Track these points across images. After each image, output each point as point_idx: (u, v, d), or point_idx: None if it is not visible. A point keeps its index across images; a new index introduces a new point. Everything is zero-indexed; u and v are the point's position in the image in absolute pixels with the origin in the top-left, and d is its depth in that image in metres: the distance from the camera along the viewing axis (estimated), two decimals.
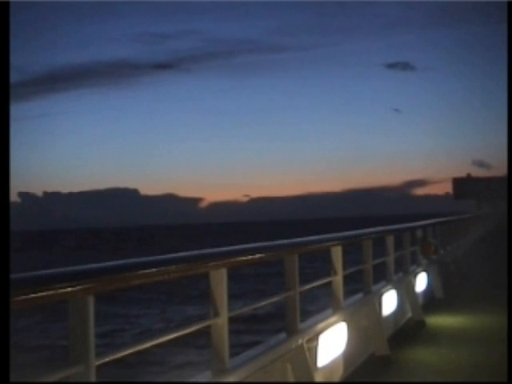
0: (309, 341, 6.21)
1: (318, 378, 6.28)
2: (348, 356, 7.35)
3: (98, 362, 3.32)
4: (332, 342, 6.70)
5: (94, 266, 3.54)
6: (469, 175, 68.15)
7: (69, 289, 3.10)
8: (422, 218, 20.41)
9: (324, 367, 6.49)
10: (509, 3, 11.26)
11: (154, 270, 3.91)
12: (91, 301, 3.29)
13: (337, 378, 7.18)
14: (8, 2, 3.21)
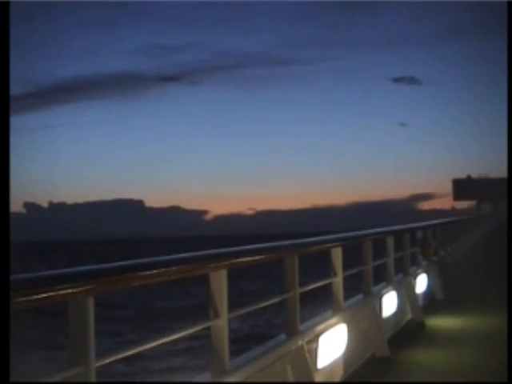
0: (309, 342, 6.21)
1: (318, 379, 6.27)
2: (348, 357, 7.35)
3: (98, 364, 3.32)
4: (332, 344, 6.69)
5: (95, 267, 3.54)
6: (469, 176, 68.14)
7: (69, 290, 3.10)
8: None
9: (324, 368, 6.49)
10: (509, 3, 11.26)
11: (154, 271, 3.91)
12: (91, 302, 3.29)
13: (337, 379, 7.18)
14: (8, 2, 3.20)
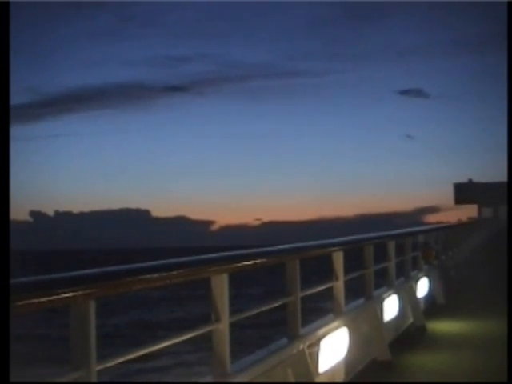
0: (310, 346, 6.21)
1: (320, 382, 6.27)
2: (349, 361, 7.34)
3: (99, 367, 3.32)
4: (333, 347, 6.69)
5: (96, 270, 3.54)
6: (470, 180, 68.04)
7: (70, 293, 3.10)
8: None
9: (325, 372, 6.48)
10: (509, 3, 11.25)
11: (155, 275, 3.91)
12: (92, 306, 3.29)
13: (338, 382, 7.17)
14: (8, 2, 3.21)
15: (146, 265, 3.99)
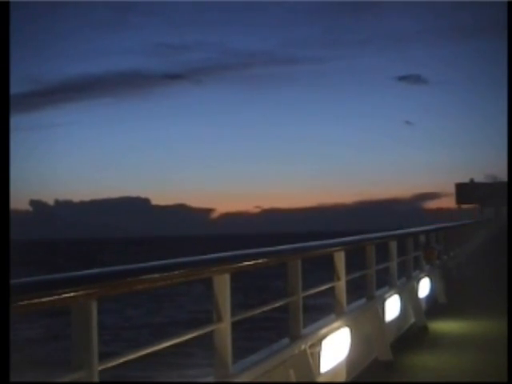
0: (312, 346, 6.21)
1: (321, 383, 6.27)
2: (351, 361, 7.34)
3: (100, 367, 3.31)
4: (335, 348, 6.69)
5: (97, 270, 3.54)
6: (472, 180, 68.02)
7: (72, 294, 3.10)
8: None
9: (327, 372, 6.48)
10: (509, 3, 11.24)
11: (157, 275, 3.90)
12: (94, 306, 3.29)
13: (340, 383, 7.17)
14: (8, 2, 3.21)
15: (148, 265, 3.99)
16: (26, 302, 2.83)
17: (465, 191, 66.97)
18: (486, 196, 63.73)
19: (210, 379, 4.62)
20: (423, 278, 13.02)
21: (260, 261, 5.40)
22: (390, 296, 9.81)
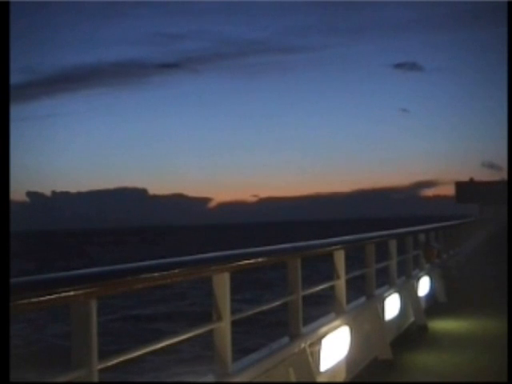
0: (311, 345, 6.21)
1: (321, 381, 6.27)
2: (351, 360, 7.34)
3: (100, 366, 3.32)
4: (335, 346, 6.69)
5: (97, 269, 3.54)
6: (471, 179, 68.08)
7: (71, 293, 3.10)
8: (431, 220, 20.47)
9: (327, 371, 6.49)
10: (509, 3, 11.24)
11: (156, 274, 3.91)
12: (94, 305, 3.29)
13: (339, 381, 7.17)
14: (8, 2, 3.21)
15: (148, 264, 4.00)
16: (25, 301, 2.83)
17: (464, 190, 67.02)
18: (486, 195, 63.76)
19: (210, 377, 4.63)
20: (423, 276, 13.03)
21: (260, 260, 5.40)
22: (389, 295, 9.81)
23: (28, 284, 2.95)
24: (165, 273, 4.00)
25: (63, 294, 3.05)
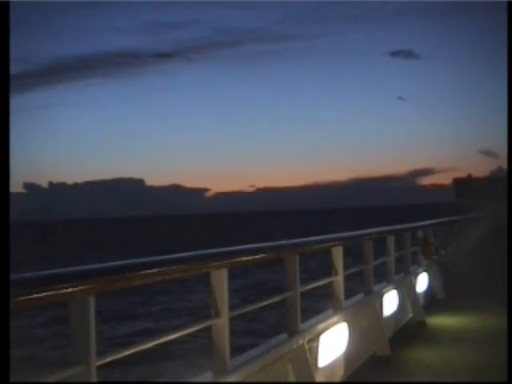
0: (310, 341, 6.21)
1: (319, 378, 6.28)
2: (349, 356, 7.35)
3: (98, 363, 3.32)
4: (333, 343, 6.70)
5: (95, 266, 3.55)
6: (469, 175, 68.16)
7: (69, 289, 3.10)
8: (427, 208, 20.46)
9: (325, 367, 6.49)
10: (509, 3, 11.24)
11: (154, 270, 3.91)
12: (92, 301, 3.29)
13: (338, 378, 7.18)
14: (8, 2, 3.20)
15: (146, 260, 4.00)
16: (23, 298, 2.83)
17: (463, 186, 67.09)
18: (485, 191, 63.80)
19: (208, 374, 4.63)
20: (421, 273, 13.04)
21: (258, 256, 5.40)
22: (388, 291, 9.82)
23: (26, 281, 2.95)
24: (163, 269, 4.00)
25: (61, 291, 3.05)
